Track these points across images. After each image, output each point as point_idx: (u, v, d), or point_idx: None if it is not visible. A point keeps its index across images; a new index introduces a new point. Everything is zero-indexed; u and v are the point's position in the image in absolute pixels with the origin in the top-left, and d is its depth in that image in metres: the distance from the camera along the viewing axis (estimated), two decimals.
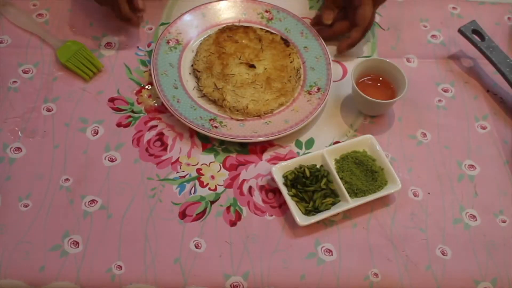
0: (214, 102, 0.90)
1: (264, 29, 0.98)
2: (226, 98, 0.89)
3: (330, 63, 0.94)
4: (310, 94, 0.91)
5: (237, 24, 0.98)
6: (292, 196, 0.81)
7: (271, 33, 0.97)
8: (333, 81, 0.95)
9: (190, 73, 0.93)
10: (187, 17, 0.98)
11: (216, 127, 0.87)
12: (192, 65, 0.94)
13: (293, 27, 0.98)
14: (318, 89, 0.91)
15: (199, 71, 0.92)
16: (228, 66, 0.92)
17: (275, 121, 0.88)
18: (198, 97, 0.91)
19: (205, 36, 0.97)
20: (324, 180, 0.82)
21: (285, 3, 1.01)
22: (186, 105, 0.88)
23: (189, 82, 0.92)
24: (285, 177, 0.82)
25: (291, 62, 0.94)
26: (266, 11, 1.00)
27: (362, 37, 0.95)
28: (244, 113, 0.89)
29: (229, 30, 0.96)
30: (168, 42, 0.95)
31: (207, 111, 0.89)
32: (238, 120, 0.89)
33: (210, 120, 0.87)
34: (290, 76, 0.92)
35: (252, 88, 0.91)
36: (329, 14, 0.96)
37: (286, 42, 0.96)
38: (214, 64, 0.92)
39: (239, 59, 0.93)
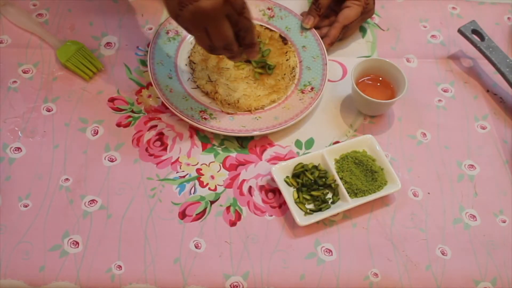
0: (206, 94, 0.91)
1: (264, 26, 0.98)
2: (218, 91, 0.90)
3: (326, 64, 0.94)
4: (303, 93, 0.91)
5: None
6: (296, 198, 0.81)
7: (270, 30, 0.97)
8: (333, 81, 0.95)
9: (186, 64, 0.94)
10: None
11: (205, 118, 0.87)
12: (188, 57, 0.94)
13: (293, 25, 0.99)
14: (312, 88, 0.92)
15: (194, 63, 0.93)
16: (223, 59, 0.93)
17: (264, 117, 0.89)
18: (192, 88, 0.91)
19: None
20: (332, 183, 0.83)
21: (285, 2, 1.01)
22: (178, 95, 0.89)
23: (184, 73, 0.93)
24: (296, 176, 0.83)
25: (287, 60, 0.94)
26: (268, 8, 1.00)
27: (339, 35, 0.96)
28: (235, 107, 0.89)
29: None
30: (167, 33, 0.95)
31: (198, 103, 0.89)
32: (228, 113, 0.89)
33: (200, 111, 0.88)
34: (284, 74, 0.93)
35: (245, 83, 0.91)
36: (309, 19, 0.97)
37: (284, 40, 0.96)
38: (210, 57, 0.93)
39: None
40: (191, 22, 0.75)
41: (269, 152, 0.87)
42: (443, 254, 0.80)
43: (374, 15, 1.03)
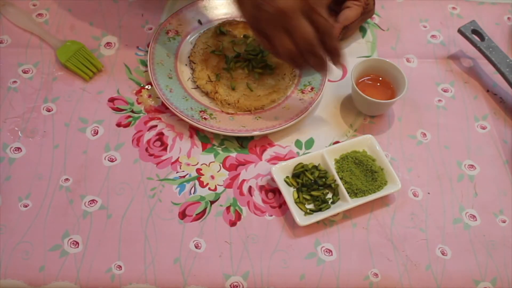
0: (206, 94, 0.91)
1: None
2: (218, 91, 0.90)
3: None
4: (303, 93, 0.91)
5: (237, 19, 0.98)
6: (296, 198, 0.81)
7: None
8: (333, 81, 0.95)
9: (186, 64, 0.94)
10: (189, 10, 0.98)
11: (205, 118, 0.87)
12: (188, 57, 0.94)
13: None
14: (312, 88, 0.92)
15: (194, 63, 0.93)
16: (223, 59, 0.93)
17: (264, 117, 0.89)
18: (192, 88, 0.91)
19: (204, 29, 0.97)
20: (332, 184, 0.83)
21: None
22: (178, 95, 0.89)
23: (184, 73, 0.93)
24: (296, 176, 0.83)
25: None
26: None
27: (339, 35, 0.96)
28: (235, 107, 0.89)
29: (229, 25, 0.97)
30: (167, 33, 0.95)
31: (198, 103, 0.89)
32: (228, 113, 0.89)
33: (200, 111, 0.88)
34: (284, 74, 0.93)
35: (245, 83, 0.91)
36: None
37: None
38: (210, 57, 0.93)
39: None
40: (269, 22, 0.74)
41: (269, 152, 0.87)
42: (443, 254, 0.80)
43: (374, 15, 1.03)
